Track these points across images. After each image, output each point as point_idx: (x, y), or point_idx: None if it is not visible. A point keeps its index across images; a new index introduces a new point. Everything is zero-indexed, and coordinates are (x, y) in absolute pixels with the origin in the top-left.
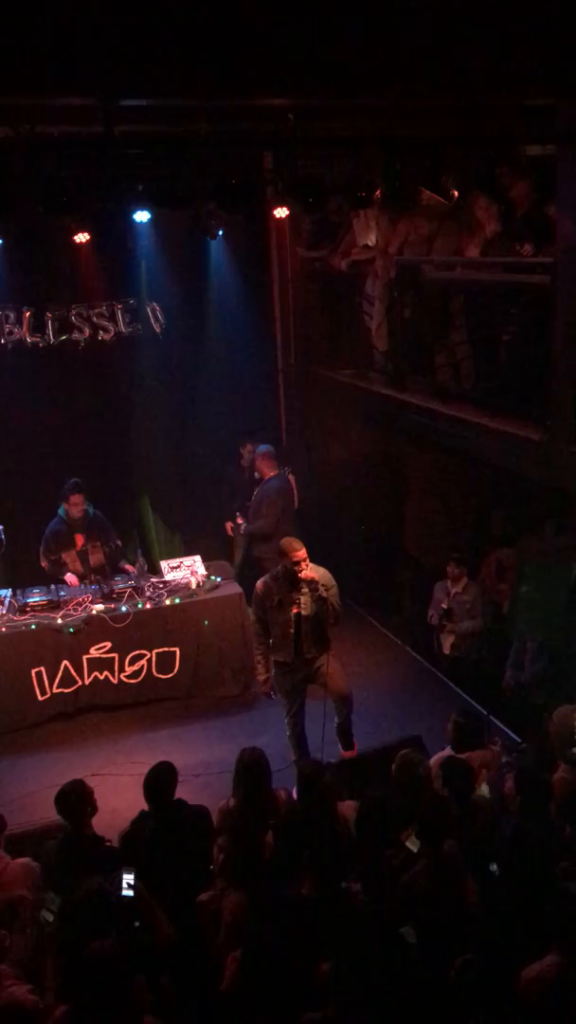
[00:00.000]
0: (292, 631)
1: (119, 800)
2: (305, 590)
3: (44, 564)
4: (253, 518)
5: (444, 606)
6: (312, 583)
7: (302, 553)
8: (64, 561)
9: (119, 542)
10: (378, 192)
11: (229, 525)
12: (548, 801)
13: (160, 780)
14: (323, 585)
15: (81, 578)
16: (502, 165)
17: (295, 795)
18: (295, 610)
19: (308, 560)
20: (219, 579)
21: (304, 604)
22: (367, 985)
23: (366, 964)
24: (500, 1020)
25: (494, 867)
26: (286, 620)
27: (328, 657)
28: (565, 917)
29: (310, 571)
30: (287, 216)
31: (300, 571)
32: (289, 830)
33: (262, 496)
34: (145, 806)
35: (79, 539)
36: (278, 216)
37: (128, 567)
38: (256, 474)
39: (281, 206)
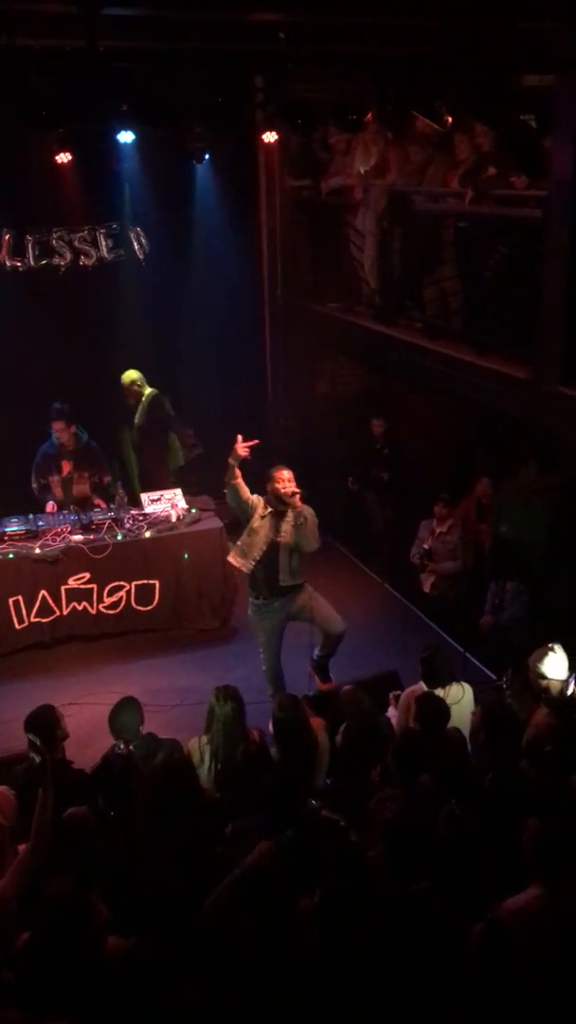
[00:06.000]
0: (261, 553)
1: (96, 728)
2: (290, 519)
3: (34, 485)
4: None
5: (426, 546)
6: (298, 514)
7: (285, 474)
8: (50, 485)
9: (107, 478)
10: (369, 116)
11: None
12: (514, 738)
13: (122, 715)
14: (305, 516)
15: (61, 506)
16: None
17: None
18: (278, 539)
19: (293, 482)
20: (200, 512)
21: (286, 532)
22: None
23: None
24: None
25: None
26: (264, 538)
27: (310, 592)
28: (545, 849)
29: (295, 493)
30: (276, 142)
31: (283, 490)
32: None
33: None
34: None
35: (65, 465)
36: (267, 141)
37: (99, 503)
38: None
39: (270, 130)
